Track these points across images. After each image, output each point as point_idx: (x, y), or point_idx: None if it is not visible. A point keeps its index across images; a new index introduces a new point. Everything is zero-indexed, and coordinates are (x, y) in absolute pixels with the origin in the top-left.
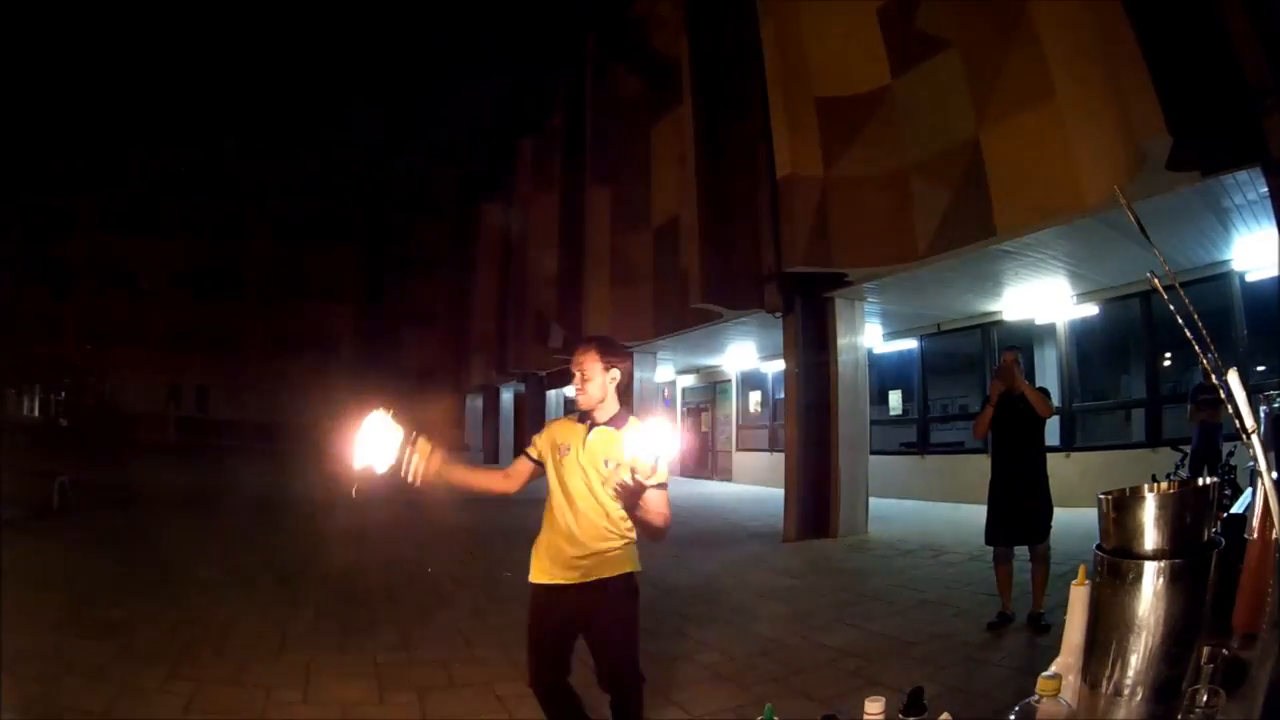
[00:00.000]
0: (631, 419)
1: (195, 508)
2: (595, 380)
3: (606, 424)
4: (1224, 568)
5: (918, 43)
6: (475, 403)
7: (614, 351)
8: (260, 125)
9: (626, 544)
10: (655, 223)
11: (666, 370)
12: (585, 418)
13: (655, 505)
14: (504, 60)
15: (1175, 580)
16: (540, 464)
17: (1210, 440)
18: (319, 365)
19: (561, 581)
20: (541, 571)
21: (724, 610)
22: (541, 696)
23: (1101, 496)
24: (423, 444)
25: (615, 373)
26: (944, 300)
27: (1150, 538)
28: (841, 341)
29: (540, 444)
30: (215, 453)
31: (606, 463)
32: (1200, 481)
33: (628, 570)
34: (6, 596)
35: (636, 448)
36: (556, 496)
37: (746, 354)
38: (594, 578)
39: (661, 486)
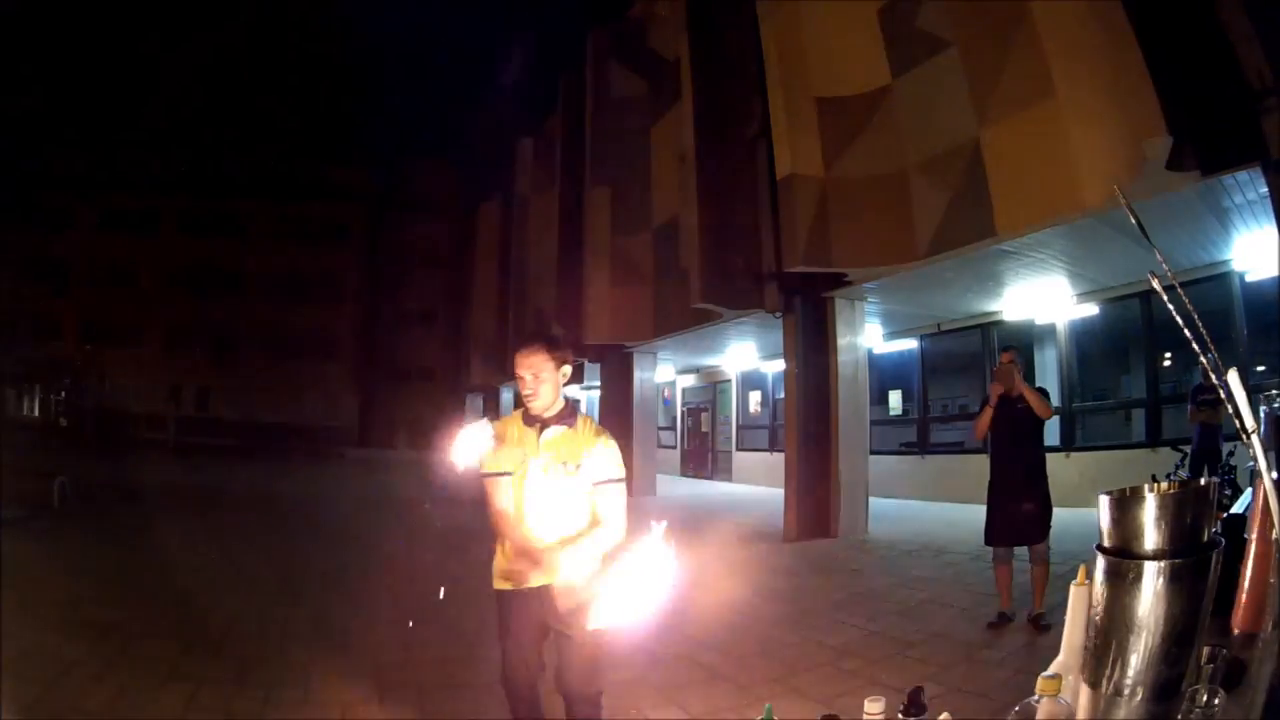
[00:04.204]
0: (581, 415)
1: (195, 507)
2: (548, 381)
3: (557, 422)
4: (1224, 568)
5: (918, 43)
6: (475, 403)
7: (562, 347)
8: (260, 124)
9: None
10: (655, 223)
11: (666, 370)
12: (534, 419)
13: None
14: (504, 59)
15: (1175, 580)
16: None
17: (1210, 440)
18: (319, 365)
19: (525, 586)
20: (504, 578)
21: (724, 610)
22: (510, 693)
23: (1101, 496)
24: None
25: (566, 369)
26: (944, 300)
27: (1150, 538)
28: (841, 341)
29: (500, 455)
30: (215, 453)
31: (566, 463)
32: (1200, 481)
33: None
34: (6, 596)
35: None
36: (513, 502)
37: (746, 354)
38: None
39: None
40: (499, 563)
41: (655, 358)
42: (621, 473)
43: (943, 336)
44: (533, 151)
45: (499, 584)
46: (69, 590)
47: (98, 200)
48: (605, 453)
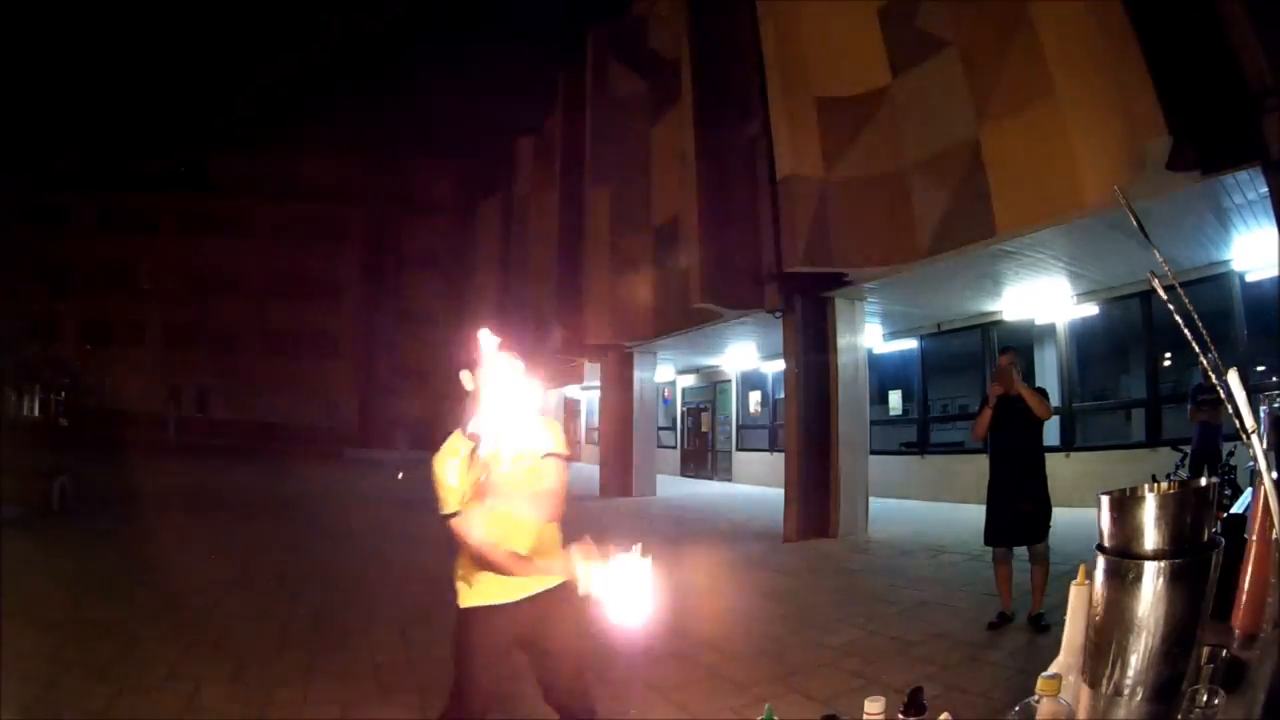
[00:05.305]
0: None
1: (195, 508)
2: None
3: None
4: (1224, 568)
5: (918, 43)
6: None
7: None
8: (260, 124)
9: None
10: (655, 223)
11: (666, 370)
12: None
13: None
14: (504, 59)
15: (1175, 580)
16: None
17: (1210, 440)
18: (319, 365)
19: (504, 600)
20: (480, 594)
21: (724, 610)
22: None
23: (1101, 496)
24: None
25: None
26: (944, 300)
27: (1150, 538)
28: (841, 341)
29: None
30: (215, 453)
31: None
32: (1200, 481)
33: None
34: (6, 596)
35: None
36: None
37: (746, 354)
38: (541, 589)
39: None
40: (468, 576)
41: (655, 358)
42: (559, 448)
43: (943, 336)
44: (533, 151)
45: (476, 599)
46: (69, 590)
47: (98, 200)
48: (547, 431)
